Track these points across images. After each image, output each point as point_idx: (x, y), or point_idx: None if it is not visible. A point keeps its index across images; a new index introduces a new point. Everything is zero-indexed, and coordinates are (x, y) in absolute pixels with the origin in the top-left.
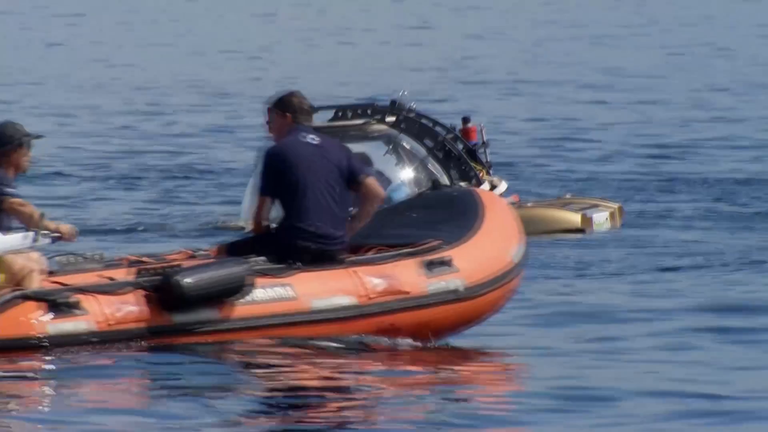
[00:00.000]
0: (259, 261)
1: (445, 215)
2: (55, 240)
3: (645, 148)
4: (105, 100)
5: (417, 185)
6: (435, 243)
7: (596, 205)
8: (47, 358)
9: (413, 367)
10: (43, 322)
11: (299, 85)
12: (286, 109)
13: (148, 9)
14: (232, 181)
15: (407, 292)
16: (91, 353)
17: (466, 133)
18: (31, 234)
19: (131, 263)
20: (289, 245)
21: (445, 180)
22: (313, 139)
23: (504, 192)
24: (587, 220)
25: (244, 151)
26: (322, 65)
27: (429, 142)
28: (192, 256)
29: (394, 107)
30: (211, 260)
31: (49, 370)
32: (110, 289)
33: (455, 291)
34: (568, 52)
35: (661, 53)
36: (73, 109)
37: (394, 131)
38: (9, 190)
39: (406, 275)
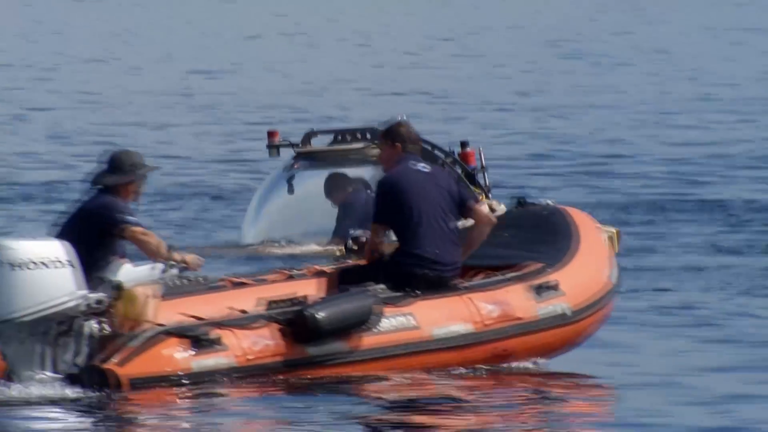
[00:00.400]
0: (378, 289)
1: (538, 235)
2: (182, 270)
3: (643, 171)
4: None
5: None
6: (538, 266)
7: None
8: (190, 393)
9: (522, 390)
10: (186, 359)
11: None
12: (395, 139)
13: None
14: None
15: (520, 318)
16: (230, 388)
17: (464, 157)
18: (159, 265)
19: (234, 285)
20: (406, 273)
21: None
22: (423, 167)
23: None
24: None
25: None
26: (312, 88)
27: None
28: (290, 277)
29: None
30: (339, 292)
31: (193, 407)
32: (245, 323)
33: (563, 315)
34: (567, 72)
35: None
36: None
37: None
38: (130, 218)
39: (517, 300)
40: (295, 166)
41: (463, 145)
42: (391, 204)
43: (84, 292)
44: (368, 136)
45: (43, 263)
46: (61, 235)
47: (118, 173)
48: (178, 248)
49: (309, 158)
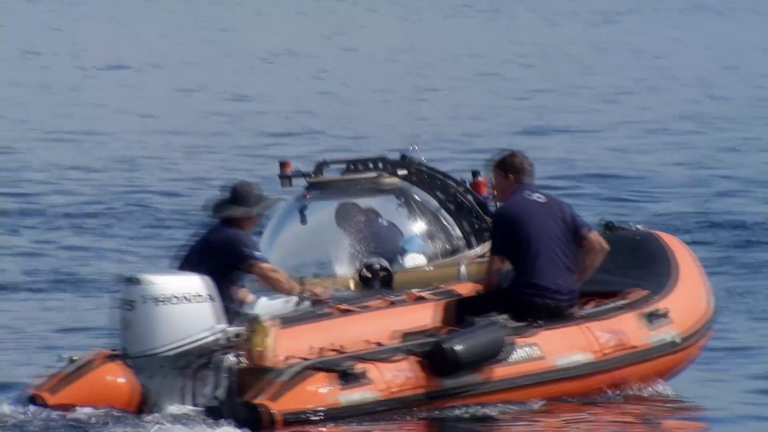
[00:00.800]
0: (501, 319)
1: (634, 260)
2: (313, 303)
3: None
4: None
5: (429, 237)
6: (644, 293)
7: None
8: (338, 428)
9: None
10: (335, 393)
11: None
12: (508, 170)
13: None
14: None
15: (634, 346)
16: (373, 422)
17: (475, 186)
18: (293, 298)
19: (341, 312)
20: (526, 303)
21: (457, 232)
22: (538, 197)
23: None
24: None
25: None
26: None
27: (440, 195)
28: (392, 303)
29: (405, 160)
30: (460, 322)
31: None
32: (386, 356)
33: (673, 342)
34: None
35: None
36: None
37: (405, 184)
38: (258, 254)
39: (631, 329)
40: (307, 197)
41: (475, 174)
42: (509, 235)
43: (223, 326)
44: (380, 165)
45: (185, 298)
46: (185, 267)
47: (245, 205)
48: (307, 279)
49: (321, 188)
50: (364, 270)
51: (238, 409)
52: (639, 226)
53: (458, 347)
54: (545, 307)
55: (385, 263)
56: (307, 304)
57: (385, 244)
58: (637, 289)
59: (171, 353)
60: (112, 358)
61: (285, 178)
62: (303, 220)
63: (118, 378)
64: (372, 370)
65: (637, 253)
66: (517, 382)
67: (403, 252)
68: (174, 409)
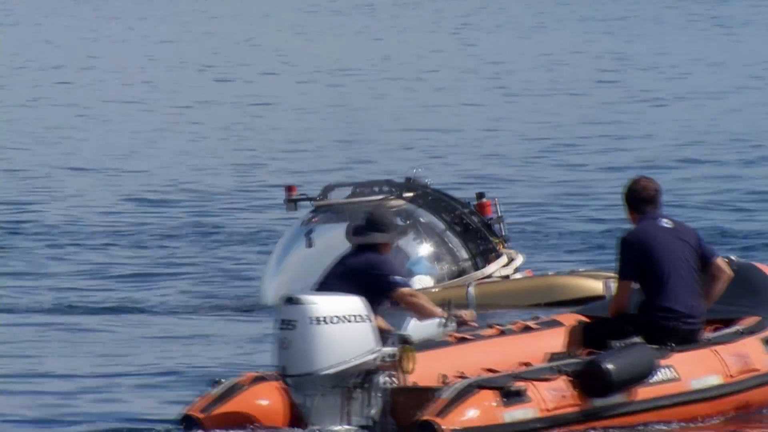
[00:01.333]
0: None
1: (741, 289)
2: (460, 325)
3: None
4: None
5: (436, 259)
6: (757, 319)
7: (610, 277)
8: None
9: None
10: (500, 411)
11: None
12: (635, 197)
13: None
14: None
15: (758, 369)
16: None
17: (480, 207)
18: (441, 320)
19: (458, 340)
20: (659, 326)
21: (463, 254)
22: (666, 222)
23: (520, 265)
24: (608, 289)
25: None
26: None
27: (446, 217)
28: (502, 332)
29: (410, 183)
30: (614, 348)
31: None
32: (542, 376)
33: None
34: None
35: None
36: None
37: (411, 206)
38: (400, 279)
39: (754, 353)
40: (314, 220)
41: (479, 195)
42: (639, 260)
43: (380, 346)
44: (385, 188)
45: (345, 318)
46: (326, 290)
47: (383, 230)
48: (453, 303)
49: (327, 212)
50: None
51: (391, 429)
52: (732, 258)
53: (613, 367)
54: (677, 331)
55: None
56: (453, 326)
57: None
58: (749, 316)
59: (332, 372)
60: (260, 379)
61: (291, 201)
62: (309, 244)
63: (267, 399)
64: (531, 388)
65: (742, 282)
66: (658, 404)
67: (410, 274)
68: (331, 427)
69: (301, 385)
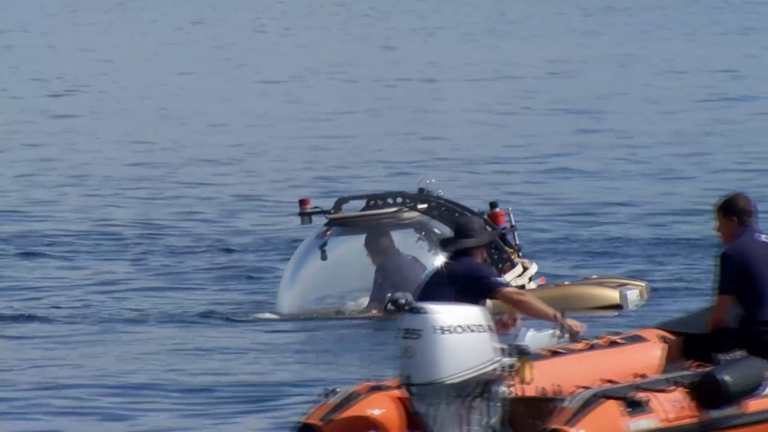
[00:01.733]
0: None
1: None
2: (572, 336)
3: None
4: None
5: None
6: None
7: (625, 284)
8: None
9: None
10: (626, 421)
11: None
12: (732, 213)
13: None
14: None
15: None
16: None
17: (493, 217)
18: (557, 332)
19: (552, 353)
20: (760, 340)
21: None
22: (765, 237)
23: (534, 275)
24: (623, 297)
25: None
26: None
27: None
28: (591, 347)
29: (423, 195)
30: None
31: None
32: (660, 386)
33: None
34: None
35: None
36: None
37: (425, 217)
38: (502, 280)
39: None
40: (328, 233)
41: (492, 205)
42: (739, 275)
43: (500, 356)
44: (399, 200)
45: (469, 327)
46: (430, 299)
47: (475, 236)
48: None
49: (341, 224)
50: (390, 304)
51: None
52: None
53: (729, 378)
54: None
55: (410, 297)
56: (566, 336)
57: (409, 277)
58: None
59: (456, 381)
60: (376, 389)
61: (304, 215)
62: (324, 257)
63: (384, 408)
64: (652, 399)
65: None
66: (760, 417)
67: None
68: None
69: (424, 394)
